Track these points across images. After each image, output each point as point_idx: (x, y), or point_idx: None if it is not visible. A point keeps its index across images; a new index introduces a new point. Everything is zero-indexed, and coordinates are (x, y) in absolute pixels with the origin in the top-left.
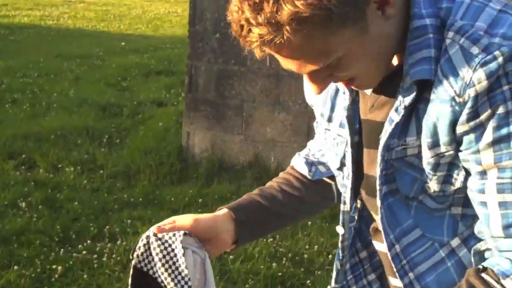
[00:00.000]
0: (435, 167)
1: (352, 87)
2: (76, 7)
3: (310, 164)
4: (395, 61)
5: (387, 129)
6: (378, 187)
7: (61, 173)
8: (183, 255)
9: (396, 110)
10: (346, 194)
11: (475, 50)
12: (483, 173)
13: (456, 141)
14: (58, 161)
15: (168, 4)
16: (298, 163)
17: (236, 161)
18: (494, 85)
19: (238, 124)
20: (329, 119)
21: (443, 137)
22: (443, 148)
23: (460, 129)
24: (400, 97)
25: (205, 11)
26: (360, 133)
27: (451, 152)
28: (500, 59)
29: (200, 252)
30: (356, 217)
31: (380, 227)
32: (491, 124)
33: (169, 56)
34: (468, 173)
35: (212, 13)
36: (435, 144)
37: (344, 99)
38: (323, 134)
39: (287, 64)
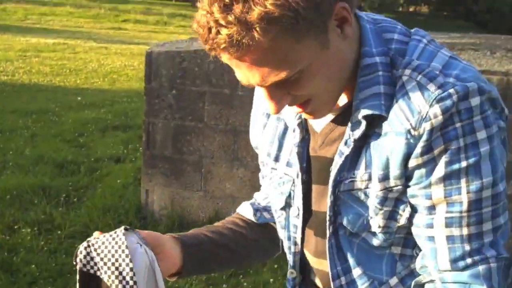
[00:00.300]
0: (383, 201)
1: (305, 114)
2: (31, 62)
3: (255, 209)
4: (344, 99)
5: (337, 161)
6: (327, 218)
7: (18, 234)
8: (127, 247)
9: (346, 143)
10: (297, 234)
11: (431, 86)
12: (432, 208)
13: (405, 176)
14: (14, 222)
15: (124, 58)
16: (244, 208)
17: (196, 218)
18: (447, 121)
19: (197, 180)
20: (276, 159)
21: (395, 170)
22: (392, 182)
23: (413, 162)
24: (349, 131)
25: (161, 68)
26: (308, 171)
27: (399, 187)
28: (455, 97)
29: (148, 251)
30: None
31: (327, 258)
32: (444, 159)
33: (126, 110)
34: (414, 210)
35: (167, 70)
36: (385, 177)
37: (293, 137)
38: (269, 174)
39: (249, 76)
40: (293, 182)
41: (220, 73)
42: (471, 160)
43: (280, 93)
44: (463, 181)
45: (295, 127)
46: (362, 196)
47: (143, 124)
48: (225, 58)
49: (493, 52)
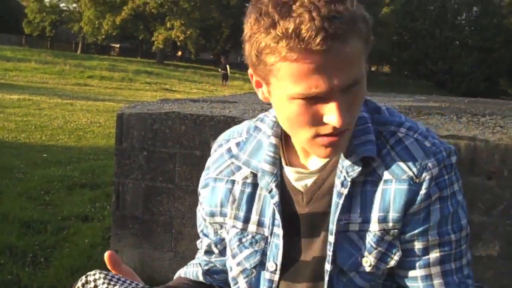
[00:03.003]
0: (379, 241)
1: (328, 151)
2: None
3: (204, 271)
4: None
5: (338, 202)
6: (328, 259)
7: None
8: None
9: (342, 184)
10: None
11: (427, 143)
12: (426, 250)
13: (402, 221)
14: None
15: (90, 114)
16: (189, 270)
17: (166, 279)
18: (440, 173)
19: (168, 241)
20: (246, 220)
21: (395, 214)
22: (390, 225)
23: (414, 208)
24: (344, 174)
25: (132, 129)
26: (288, 227)
27: (395, 231)
28: (444, 153)
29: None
30: None
31: None
32: (438, 205)
33: (93, 168)
34: (407, 255)
35: (138, 131)
36: (385, 219)
37: (270, 197)
38: (236, 236)
39: (332, 74)
40: (267, 240)
41: (191, 135)
42: (455, 207)
43: (345, 106)
44: (449, 224)
45: (272, 188)
46: (355, 237)
47: (114, 185)
48: (316, 53)
49: (459, 116)
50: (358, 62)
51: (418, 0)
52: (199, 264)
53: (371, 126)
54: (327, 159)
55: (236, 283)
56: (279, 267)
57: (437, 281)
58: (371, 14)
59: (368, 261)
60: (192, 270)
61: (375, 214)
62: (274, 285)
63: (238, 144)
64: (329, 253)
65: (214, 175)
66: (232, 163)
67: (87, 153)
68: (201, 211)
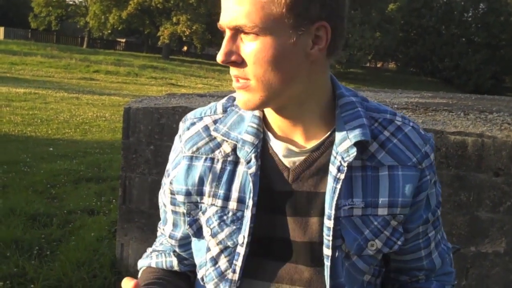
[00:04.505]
0: (385, 225)
1: (237, 98)
2: (1, 111)
3: (179, 259)
4: (314, 138)
5: (336, 187)
6: (329, 244)
7: None
8: None
9: (339, 169)
10: (238, 262)
11: (421, 131)
12: (426, 231)
13: (410, 206)
14: None
15: (96, 108)
16: (161, 260)
17: None
18: (432, 159)
19: None
20: (226, 198)
21: (405, 199)
22: (398, 210)
23: (421, 195)
24: (339, 159)
25: (139, 124)
26: (267, 202)
27: (401, 216)
28: (432, 140)
29: None
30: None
31: (325, 280)
32: (434, 189)
33: (99, 162)
34: (411, 240)
35: (145, 126)
36: (394, 204)
37: (247, 168)
38: (216, 215)
39: (228, 11)
40: (244, 215)
41: None
42: (440, 189)
43: (235, 46)
44: (438, 204)
45: (251, 159)
46: (359, 222)
47: (120, 179)
48: None
49: (466, 113)
50: (255, 10)
51: None
52: (171, 253)
53: (361, 111)
54: (322, 138)
55: (215, 263)
56: (246, 240)
57: (435, 255)
58: (378, 10)
59: (374, 245)
60: (164, 260)
61: (383, 199)
62: (240, 259)
63: (215, 121)
64: (329, 238)
65: (190, 153)
66: (211, 140)
67: (92, 147)
68: (167, 194)
